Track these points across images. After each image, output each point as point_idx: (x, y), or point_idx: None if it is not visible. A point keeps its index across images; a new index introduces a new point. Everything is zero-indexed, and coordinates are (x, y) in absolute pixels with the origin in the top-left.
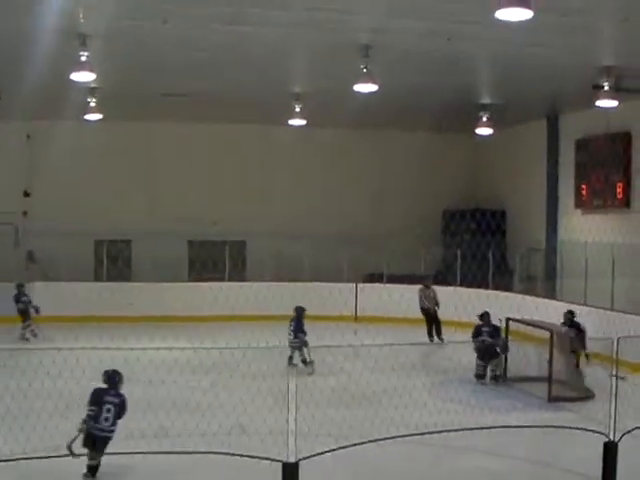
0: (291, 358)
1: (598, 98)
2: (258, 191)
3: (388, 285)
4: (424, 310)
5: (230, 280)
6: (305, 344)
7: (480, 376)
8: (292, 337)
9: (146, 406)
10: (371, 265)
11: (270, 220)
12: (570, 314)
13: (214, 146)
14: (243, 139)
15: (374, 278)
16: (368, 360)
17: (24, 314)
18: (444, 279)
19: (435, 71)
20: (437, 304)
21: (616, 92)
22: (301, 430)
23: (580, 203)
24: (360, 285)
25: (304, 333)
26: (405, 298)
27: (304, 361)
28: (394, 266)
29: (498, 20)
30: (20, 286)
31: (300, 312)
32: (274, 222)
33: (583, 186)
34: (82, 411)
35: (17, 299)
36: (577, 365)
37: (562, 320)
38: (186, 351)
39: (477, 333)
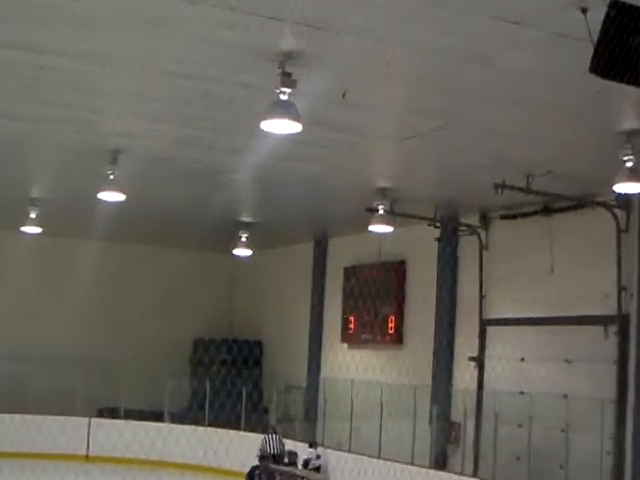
0: None
1: (371, 222)
2: None
3: (126, 421)
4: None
5: None
6: None
7: None
8: None
9: None
10: (107, 397)
11: None
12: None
13: None
14: None
15: (110, 412)
16: None
17: None
18: (192, 417)
19: (192, 183)
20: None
21: (391, 216)
22: None
23: (347, 337)
24: (94, 420)
25: None
26: (148, 437)
27: None
28: (134, 400)
29: (263, 131)
30: None
31: None
32: None
33: (351, 318)
34: None
35: None
36: None
37: None
38: None
39: None
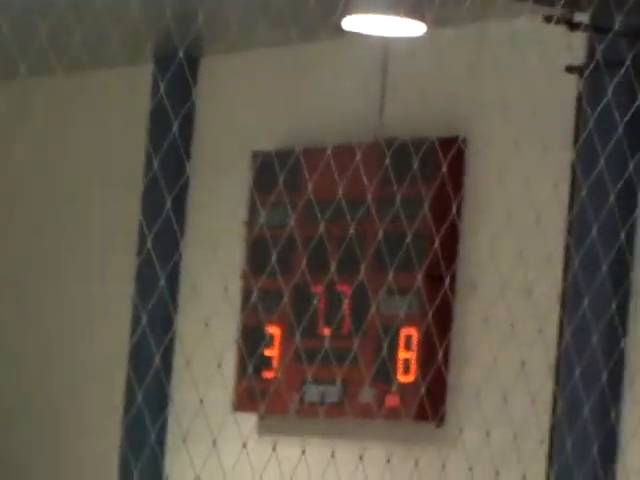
0: None
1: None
2: None
3: None
4: None
5: None
6: None
7: None
8: None
9: None
10: None
11: None
12: None
13: None
14: None
15: None
16: None
17: None
18: None
19: None
20: None
21: None
22: None
23: (247, 398)
24: None
25: None
26: None
27: None
28: None
29: None
30: None
31: None
32: None
33: (268, 328)
34: None
35: None
36: None
37: None
38: None
39: None
